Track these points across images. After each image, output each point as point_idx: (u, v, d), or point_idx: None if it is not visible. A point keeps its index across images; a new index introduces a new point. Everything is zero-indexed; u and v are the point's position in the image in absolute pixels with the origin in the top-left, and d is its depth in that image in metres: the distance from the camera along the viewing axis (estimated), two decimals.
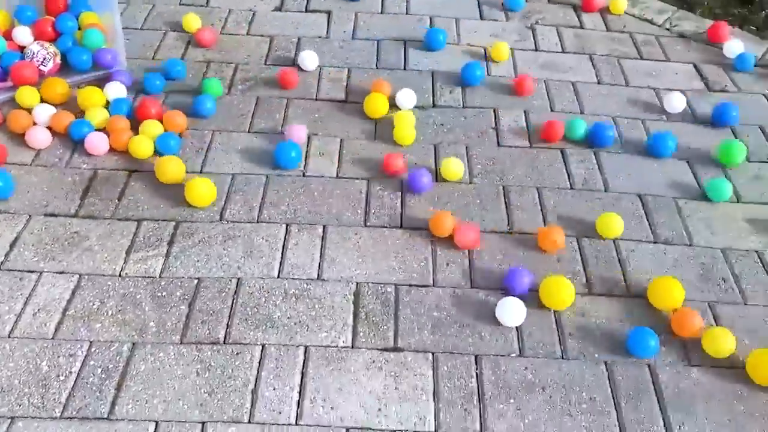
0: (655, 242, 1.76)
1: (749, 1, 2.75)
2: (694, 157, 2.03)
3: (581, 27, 2.61)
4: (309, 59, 2.26)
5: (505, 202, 1.85)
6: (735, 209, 1.87)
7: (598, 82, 2.32)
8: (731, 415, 1.39)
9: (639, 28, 2.62)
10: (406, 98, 2.10)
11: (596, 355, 1.49)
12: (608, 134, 2.02)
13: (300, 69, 2.27)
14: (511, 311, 1.52)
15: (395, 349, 1.49)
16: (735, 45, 2.42)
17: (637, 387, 1.43)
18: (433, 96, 2.21)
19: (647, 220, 1.82)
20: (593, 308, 1.59)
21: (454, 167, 1.87)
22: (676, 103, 2.17)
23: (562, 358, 1.49)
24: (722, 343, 1.47)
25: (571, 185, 1.92)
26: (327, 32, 2.48)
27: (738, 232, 1.80)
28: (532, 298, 1.58)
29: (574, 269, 1.68)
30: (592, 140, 2.04)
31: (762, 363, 1.44)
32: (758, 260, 1.73)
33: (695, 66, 2.43)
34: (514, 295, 1.57)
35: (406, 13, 2.61)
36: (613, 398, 1.41)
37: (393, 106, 2.11)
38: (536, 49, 2.46)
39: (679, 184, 1.94)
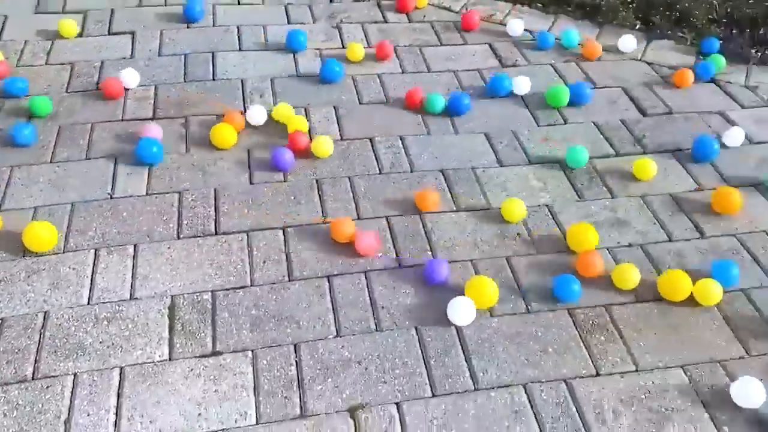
0: (456, 211, 1.89)
1: None
2: (492, 129, 2.20)
3: (385, 21, 2.74)
4: (129, 77, 2.22)
5: (319, 195, 1.92)
6: (527, 171, 2.05)
7: (402, 72, 2.45)
8: (528, 355, 1.53)
9: (439, 16, 2.79)
10: (257, 114, 2.12)
11: (407, 323, 1.59)
12: (465, 102, 2.22)
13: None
14: (461, 310, 1.56)
15: (214, 353, 1.51)
16: (516, 24, 2.64)
17: (445, 345, 1.54)
18: (244, 102, 2.24)
19: (450, 192, 1.96)
20: (404, 281, 1.69)
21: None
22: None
23: (377, 330, 1.57)
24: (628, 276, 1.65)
25: (380, 170, 2.02)
26: (132, 53, 2.45)
27: (530, 191, 1.98)
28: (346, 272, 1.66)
29: (386, 247, 1.77)
30: (451, 110, 2.24)
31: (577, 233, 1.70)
32: (548, 213, 1.91)
33: (490, 46, 2.63)
34: (433, 284, 1.66)
35: (213, 25, 2.63)
36: (424, 359, 1.51)
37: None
38: (342, 47, 2.56)
39: (479, 155, 2.09)
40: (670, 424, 1.41)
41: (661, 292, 1.65)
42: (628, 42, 2.57)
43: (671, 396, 1.46)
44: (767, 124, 2.26)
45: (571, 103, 2.30)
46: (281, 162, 1.95)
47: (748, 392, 1.43)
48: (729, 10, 2.80)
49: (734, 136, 2.15)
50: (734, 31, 2.72)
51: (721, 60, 2.52)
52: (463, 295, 1.61)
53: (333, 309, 1.61)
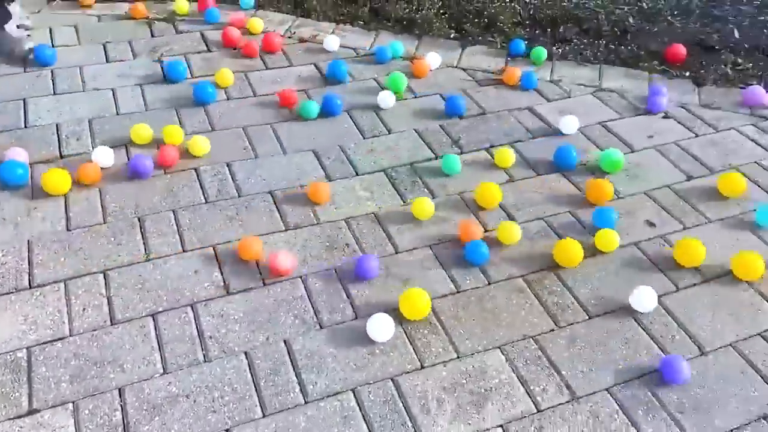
0: (286, 230, 1.92)
1: (353, 0, 3.11)
2: (320, 146, 2.26)
3: (209, 50, 2.74)
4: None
5: (141, 232, 1.88)
6: (353, 182, 2.12)
7: (228, 99, 2.46)
8: (356, 360, 1.58)
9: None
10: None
11: (236, 349, 1.59)
12: (337, 102, 2.37)
13: None
14: (380, 327, 1.59)
15: (30, 412, 1.43)
16: (332, 41, 2.74)
17: (275, 364, 1.56)
18: (59, 147, 2.16)
19: (278, 211, 1.98)
20: (232, 306, 1.69)
21: None
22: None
23: (205, 362, 1.56)
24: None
25: (205, 199, 2.01)
26: None
27: (357, 201, 2.04)
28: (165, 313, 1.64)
29: (213, 278, 1.76)
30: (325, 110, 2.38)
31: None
32: (375, 220, 1.98)
33: (315, 65, 2.69)
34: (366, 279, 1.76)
35: (25, 71, 2.51)
36: (253, 381, 1.52)
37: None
38: (164, 81, 2.53)
39: (307, 173, 2.13)
40: (489, 402, 1.50)
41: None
42: (434, 58, 2.70)
43: (490, 376, 1.55)
44: (568, 114, 2.46)
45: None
46: (141, 167, 2.03)
47: (641, 299, 1.69)
48: (531, 12, 3.04)
49: (569, 124, 2.33)
50: (537, 32, 2.95)
51: (543, 52, 2.73)
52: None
53: (159, 347, 1.58)
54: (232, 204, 1.99)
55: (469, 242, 1.84)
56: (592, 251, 1.88)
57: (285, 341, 1.61)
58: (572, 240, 1.84)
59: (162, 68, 2.58)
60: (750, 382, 1.57)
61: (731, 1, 3.22)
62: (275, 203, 2.01)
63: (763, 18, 3.09)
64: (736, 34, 2.97)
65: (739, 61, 2.80)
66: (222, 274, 1.77)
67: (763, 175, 2.21)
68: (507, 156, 2.18)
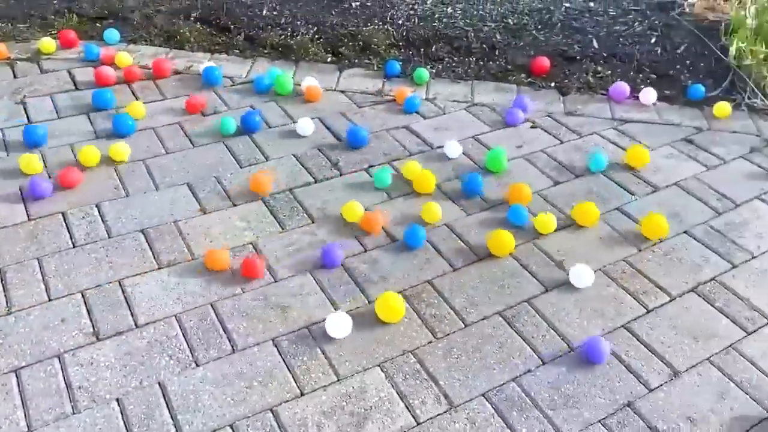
0: (159, 269, 1.87)
1: (227, 29, 3.10)
2: (194, 178, 2.22)
3: (77, 89, 2.65)
4: None
5: (2, 284, 1.78)
6: (230, 213, 2.09)
7: (96, 137, 2.39)
8: (233, 394, 1.55)
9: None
10: None
11: (107, 397, 1.53)
12: (255, 119, 2.44)
13: None
14: (338, 325, 1.68)
15: None
16: (201, 68, 2.75)
17: (149, 408, 1.51)
18: None
19: (151, 250, 1.93)
20: (102, 353, 1.62)
21: None
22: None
23: (74, 414, 1.49)
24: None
25: (73, 244, 1.93)
26: None
27: (234, 231, 2.02)
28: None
29: (81, 324, 1.69)
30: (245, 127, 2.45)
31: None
32: (253, 249, 1.96)
33: (189, 94, 2.65)
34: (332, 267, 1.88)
35: None
36: (126, 428, 1.46)
37: None
38: (29, 121, 2.42)
39: (181, 208, 2.09)
40: (369, 421, 1.51)
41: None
42: (312, 83, 2.73)
43: (370, 395, 1.57)
44: (444, 130, 2.55)
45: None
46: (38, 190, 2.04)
47: (581, 275, 1.85)
48: (405, 33, 3.13)
49: (453, 148, 2.38)
50: (411, 52, 3.04)
51: (424, 72, 2.81)
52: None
53: (22, 403, 1.50)
54: (102, 246, 1.93)
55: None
56: (468, 260, 1.95)
57: (160, 383, 1.56)
58: (503, 231, 1.97)
59: (25, 110, 2.47)
60: (615, 372, 1.66)
61: (589, 13, 3.44)
62: (147, 241, 1.96)
63: (618, 28, 3.32)
64: (595, 44, 3.17)
65: (599, 69, 2.98)
66: (91, 320, 1.70)
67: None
68: (413, 168, 2.24)
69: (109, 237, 1.96)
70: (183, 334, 1.68)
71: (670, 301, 1.85)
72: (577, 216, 2.11)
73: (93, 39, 2.98)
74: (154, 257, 1.91)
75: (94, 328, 1.68)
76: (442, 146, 2.42)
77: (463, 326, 1.75)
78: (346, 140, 2.44)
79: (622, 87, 2.77)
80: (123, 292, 1.79)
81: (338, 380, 1.60)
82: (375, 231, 2.02)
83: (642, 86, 2.83)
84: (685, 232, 2.10)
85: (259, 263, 1.85)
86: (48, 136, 2.33)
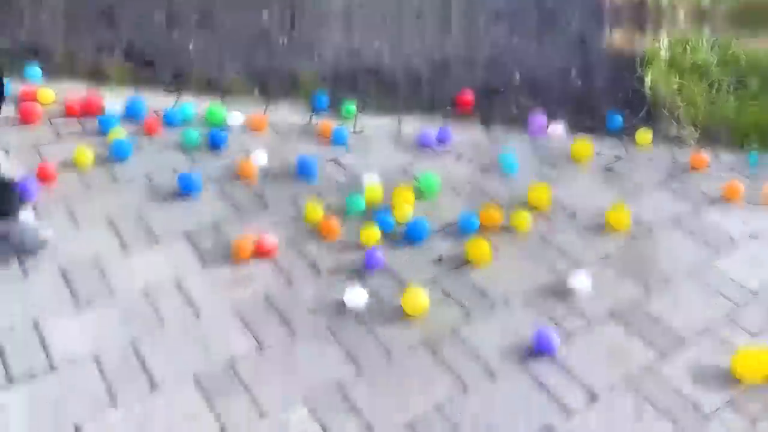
0: (77, 307, 1.83)
1: (151, 63, 3.09)
2: (115, 217, 2.19)
3: None
4: None
5: None
6: (153, 251, 2.07)
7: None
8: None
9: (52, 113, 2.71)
10: None
11: None
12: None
13: None
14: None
15: None
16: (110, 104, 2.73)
17: None
18: None
19: (69, 289, 1.88)
20: (14, 398, 1.56)
21: None
22: None
23: None
24: None
25: None
26: None
27: (155, 269, 1.99)
28: None
29: None
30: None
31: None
32: (178, 291, 1.94)
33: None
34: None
35: None
36: None
37: None
38: None
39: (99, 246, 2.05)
40: None
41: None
42: (238, 118, 2.76)
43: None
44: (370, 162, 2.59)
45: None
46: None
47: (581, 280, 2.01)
48: (333, 68, 3.19)
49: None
50: (339, 86, 3.09)
51: (352, 106, 2.87)
52: None
53: None
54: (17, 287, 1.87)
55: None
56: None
57: (76, 427, 1.52)
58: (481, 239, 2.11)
59: None
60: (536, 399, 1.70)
61: (512, 50, 3.58)
62: (65, 280, 1.91)
63: (539, 62, 3.46)
64: (518, 78, 3.30)
65: (521, 101, 3.11)
66: (2, 363, 1.64)
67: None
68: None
69: (26, 277, 1.90)
70: (101, 374, 1.64)
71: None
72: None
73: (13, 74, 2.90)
74: (72, 295, 1.86)
75: (6, 372, 1.62)
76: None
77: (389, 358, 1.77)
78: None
79: (539, 120, 2.89)
80: (38, 332, 1.73)
81: (261, 417, 1.58)
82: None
83: (560, 119, 2.94)
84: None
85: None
86: None
